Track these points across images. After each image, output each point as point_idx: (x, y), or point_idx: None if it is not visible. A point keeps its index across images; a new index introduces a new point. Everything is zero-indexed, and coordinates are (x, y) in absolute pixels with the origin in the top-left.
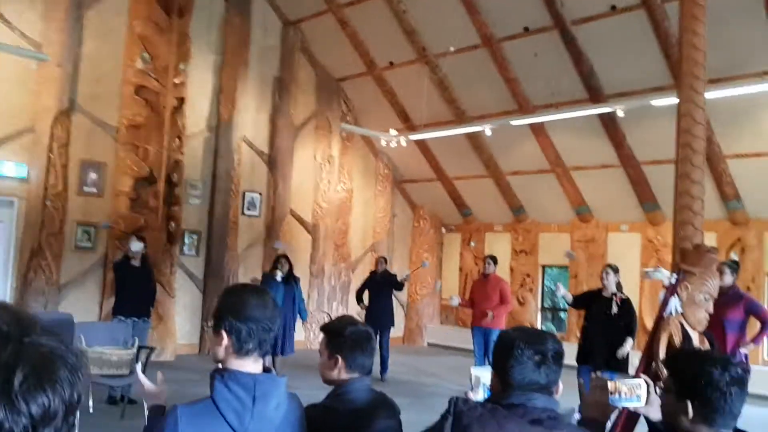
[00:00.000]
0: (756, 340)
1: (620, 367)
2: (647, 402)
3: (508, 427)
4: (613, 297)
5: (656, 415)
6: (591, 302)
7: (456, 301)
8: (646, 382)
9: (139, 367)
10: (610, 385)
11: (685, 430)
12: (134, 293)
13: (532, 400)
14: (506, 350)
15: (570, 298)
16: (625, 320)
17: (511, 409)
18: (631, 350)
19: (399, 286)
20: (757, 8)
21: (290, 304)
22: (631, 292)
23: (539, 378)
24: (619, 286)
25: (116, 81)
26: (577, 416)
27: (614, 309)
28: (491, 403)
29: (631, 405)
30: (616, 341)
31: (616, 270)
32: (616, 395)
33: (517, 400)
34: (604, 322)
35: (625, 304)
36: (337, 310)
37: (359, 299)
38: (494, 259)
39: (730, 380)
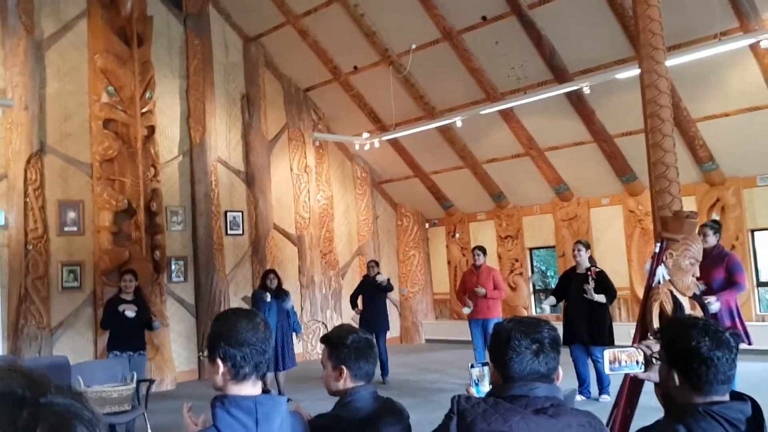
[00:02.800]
0: (720, 296)
1: (605, 341)
2: (649, 368)
3: (513, 420)
4: (588, 272)
5: (657, 378)
6: (568, 283)
7: (471, 304)
8: (649, 348)
9: (185, 408)
10: (609, 353)
11: (676, 397)
12: (128, 327)
13: (534, 390)
14: (503, 342)
15: (553, 300)
16: (604, 290)
17: (514, 401)
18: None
19: (389, 288)
20: None
21: (284, 318)
22: (619, 263)
23: (539, 367)
24: (591, 260)
25: (84, 117)
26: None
27: (591, 284)
28: (493, 397)
29: (631, 372)
30: (599, 315)
31: (587, 246)
32: (617, 363)
33: (519, 392)
34: (585, 298)
35: (601, 276)
36: (331, 318)
37: (353, 304)
38: (483, 250)
39: (711, 346)
